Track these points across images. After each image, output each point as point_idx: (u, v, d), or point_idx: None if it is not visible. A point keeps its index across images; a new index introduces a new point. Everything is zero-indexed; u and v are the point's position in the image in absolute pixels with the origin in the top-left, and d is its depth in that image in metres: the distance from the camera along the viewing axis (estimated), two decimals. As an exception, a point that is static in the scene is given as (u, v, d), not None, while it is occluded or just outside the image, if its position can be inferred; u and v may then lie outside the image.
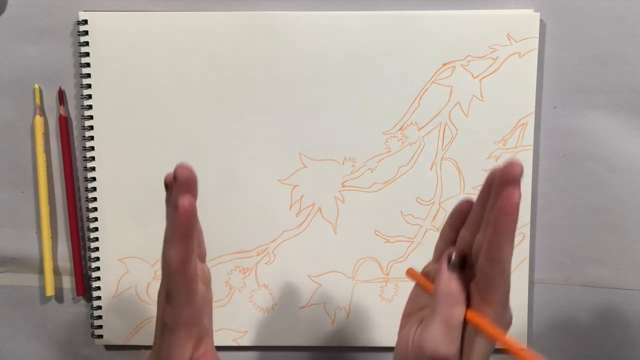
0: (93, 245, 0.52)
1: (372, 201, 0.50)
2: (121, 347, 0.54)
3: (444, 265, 0.33)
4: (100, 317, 0.52)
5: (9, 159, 0.52)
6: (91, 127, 0.50)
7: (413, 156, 0.50)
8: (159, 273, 0.52)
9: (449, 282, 0.33)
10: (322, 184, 0.50)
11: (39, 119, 0.51)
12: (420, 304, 0.37)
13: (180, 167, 0.30)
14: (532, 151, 0.49)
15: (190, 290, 0.32)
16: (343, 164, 0.50)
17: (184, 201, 0.30)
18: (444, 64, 0.49)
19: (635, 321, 0.52)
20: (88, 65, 0.49)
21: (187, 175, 0.30)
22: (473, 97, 0.49)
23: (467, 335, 0.33)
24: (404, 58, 0.49)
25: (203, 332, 0.35)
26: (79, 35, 0.49)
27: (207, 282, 0.37)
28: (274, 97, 0.50)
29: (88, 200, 0.51)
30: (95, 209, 0.51)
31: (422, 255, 0.51)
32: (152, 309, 0.52)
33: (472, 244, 0.33)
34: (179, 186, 0.30)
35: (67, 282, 0.54)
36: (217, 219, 0.51)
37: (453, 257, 0.33)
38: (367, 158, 0.50)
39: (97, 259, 0.52)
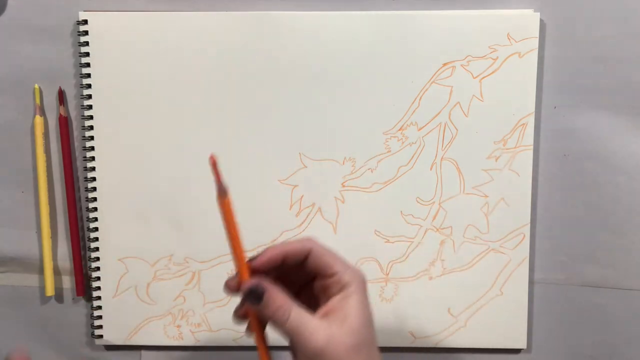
0: (93, 245, 0.52)
1: (372, 201, 0.50)
2: (121, 347, 0.54)
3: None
4: (100, 317, 0.52)
5: (9, 159, 0.52)
6: (91, 127, 0.50)
7: (413, 156, 0.50)
8: (159, 273, 0.52)
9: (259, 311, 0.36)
10: (322, 184, 0.50)
11: (39, 119, 0.51)
12: None
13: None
14: (532, 151, 0.49)
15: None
16: (343, 164, 0.50)
17: None
18: (444, 64, 0.49)
19: (635, 321, 0.52)
20: (88, 65, 0.49)
21: None
22: (473, 97, 0.49)
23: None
24: (404, 58, 0.49)
25: None
26: (79, 35, 0.49)
27: None
28: (274, 97, 0.50)
29: (88, 200, 0.51)
30: (95, 209, 0.51)
31: (422, 255, 0.51)
32: (152, 309, 0.52)
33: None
34: None
35: (67, 282, 0.54)
36: (218, 218, 0.51)
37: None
38: (367, 158, 0.50)
39: (97, 259, 0.52)
